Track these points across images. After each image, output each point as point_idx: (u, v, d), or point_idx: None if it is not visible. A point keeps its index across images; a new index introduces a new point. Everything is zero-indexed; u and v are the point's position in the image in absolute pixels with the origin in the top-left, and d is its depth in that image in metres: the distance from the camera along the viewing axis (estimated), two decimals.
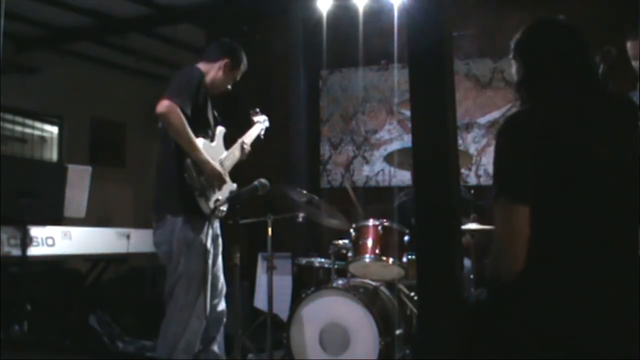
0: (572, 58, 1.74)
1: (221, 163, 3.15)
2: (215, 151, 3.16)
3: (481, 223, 3.56)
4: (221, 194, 3.10)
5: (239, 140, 3.36)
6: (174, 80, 3.06)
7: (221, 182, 3.09)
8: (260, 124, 3.55)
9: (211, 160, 3.03)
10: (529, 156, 1.60)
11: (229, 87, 3.30)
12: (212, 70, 3.19)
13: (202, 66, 3.20)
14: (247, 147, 3.36)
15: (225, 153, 3.26)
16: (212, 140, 3.20)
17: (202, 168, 2.99)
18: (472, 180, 5.08)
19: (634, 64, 3.03)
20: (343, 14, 5.12)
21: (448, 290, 1.38)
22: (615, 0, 4.56)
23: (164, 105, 2.91)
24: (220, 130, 3.30)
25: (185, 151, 2.96)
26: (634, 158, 1.65)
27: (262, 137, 3.55)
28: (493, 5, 4.94)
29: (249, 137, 3.43)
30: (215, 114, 3.28)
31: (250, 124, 3.53)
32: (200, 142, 3.03)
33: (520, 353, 1.59)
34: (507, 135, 1.68)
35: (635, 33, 2.92)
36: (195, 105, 3.02)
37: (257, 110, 3.61)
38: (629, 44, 3.00)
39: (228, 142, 3.35)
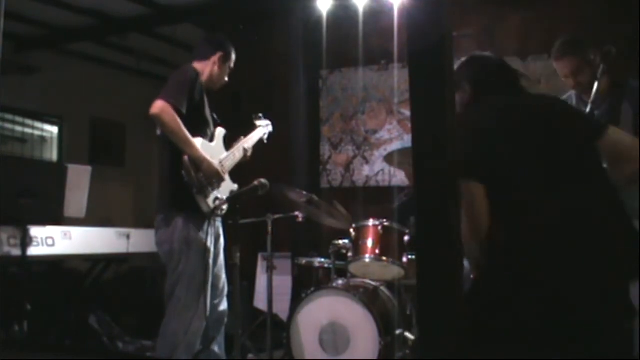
0: (505, 76, 2.19)
1: (221, 163, 3.14)
2: (214, 151, 3.16)
3: None
4: (221, 193, 3.10)
5: (240, 142, 3.36)
6: (168, 81, 3.07)
7: (220, 180, 3.09)
8: (263, 128, 3.56)
9: (208, 158, 3.03)
10: (480, 140, 1.92)
11: (226, 79, 3.32)
12: (207, 67, 3.22)
13: (196, 65, 3.21)
14: (249, 151, 3.36)
15: (225, 153, 3.25)
16: (211, 140, 3.20)
17: (199, 165, 2.98)
18: None
19: (565, 81, 3.12)
20: (343, 14, 5.12)
21: (448, 290, 1.38)
22: (614, 0, 4.56)
23: (157, 106, 2.92)
24: (220, 131, 3.30)
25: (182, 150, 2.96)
26: (567, 134, 1.99)
27: (265, 141, 3.56)
28: (493, 5, 4.94)
29: (251, 140, 3.43)
30: (215, 116, 3.29)
31: (252, 126, 3.54)
32: (198, 141, 3.03)
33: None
34: (459, 128, 1.87)
35: (560, 51, 3.04)
36: (191, 104, 3.02)
37: (260, 115, 3.62)
38: (555, 64, 3.11)
39: (229, 143, 3.35)
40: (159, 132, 3.07)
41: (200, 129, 3.11)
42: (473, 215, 1.85)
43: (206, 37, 3.48)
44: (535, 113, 2.04)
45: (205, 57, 3.24)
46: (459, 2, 4.40)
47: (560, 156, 1.93)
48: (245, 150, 3.33)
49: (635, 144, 2.04)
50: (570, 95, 3.21)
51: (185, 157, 2.95)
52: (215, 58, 3.23)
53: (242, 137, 3.42)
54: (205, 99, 3.18)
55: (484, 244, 1.85)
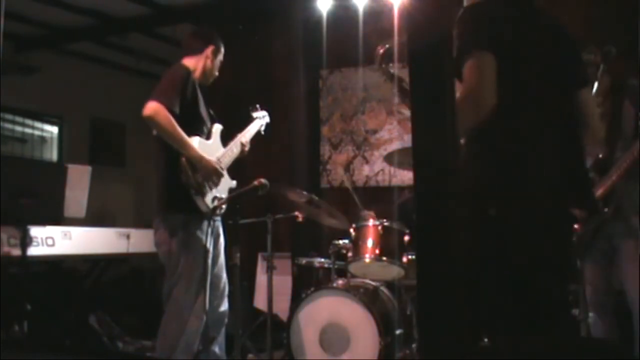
0: None
1: (218, 160, 3.11)
2: (212, 149, 3.13)
3: None
4: (219, 191, 3.09)
5: (237, 137, 3.33)
6: (159, 81, 3.04)
7: (218, 177, 3.07)
8: (260, 119, 3.53)
9: (205, 155, 3.01)
10: (496, 19, 1.97)
11: (217, 73, 3.29)
12: (200, 62, 3.19)
13: (188, 61, 3.17)
14: (247, 145, 3.34)
15: (222, 150, 3.22)
16: (208, 137, 3.16)
17: (196, 165, 2.96)
18: None
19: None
20: (343, 14, 5.12)
21: (448, 290, 1.38)
22: (614, 0, 4.56)
23: (149, 107, 2.88)
24: (217, 127, 3.25)
25: (178, 150, 2.95)
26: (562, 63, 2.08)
27: (262, 132, 3.53)
28: None
29: (248, 133, 3.38)
30: (212, 112, 3.26)
31: (250, 121, 3.52)
32: (195, 140, 3.01)
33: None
34: (471, 12, 2.00)
35: None
36: (185, 102, 2.99)
37: (257, 106, 3.60)
38: None
39: (227, 139, 3.33)
40: (155, 132, 3.05)
41: (197, 127, 3.07)
42: (478, 87, 1.85)
43: (194, 32, 3.43)
44: (547, 27, 2.12)
45: (197, 52, 3.20)
46: (459, 2, 4.39)
47: (551, 78, 2.01)
48: (242, 144, 3.30)
49: (600, 124, 2.17)
50: None
51: (183, 159, 2.93)
52: (208, 51, 3.19)
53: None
54: (200, 96, 3.13)
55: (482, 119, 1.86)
